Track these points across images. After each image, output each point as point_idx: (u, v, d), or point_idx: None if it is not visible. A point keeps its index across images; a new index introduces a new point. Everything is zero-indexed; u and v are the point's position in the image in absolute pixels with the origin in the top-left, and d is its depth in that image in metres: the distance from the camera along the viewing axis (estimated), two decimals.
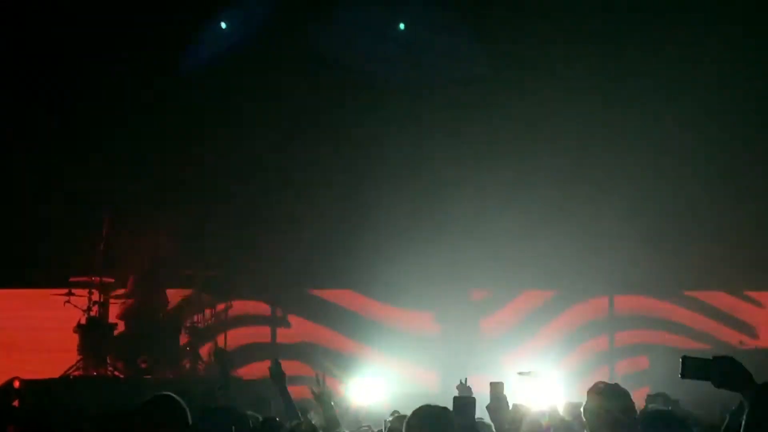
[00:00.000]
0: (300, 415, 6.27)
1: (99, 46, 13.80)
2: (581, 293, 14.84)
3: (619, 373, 14.23)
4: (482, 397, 5.23)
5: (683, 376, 3.65)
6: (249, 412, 6.26)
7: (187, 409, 4.42)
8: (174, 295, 12.78)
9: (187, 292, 12.73)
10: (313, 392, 6.19)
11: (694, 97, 13.68)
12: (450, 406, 4.98)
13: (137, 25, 13.62)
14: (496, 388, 5.02)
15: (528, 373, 5.17)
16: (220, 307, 12.89)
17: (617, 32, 14.21)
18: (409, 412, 5.42)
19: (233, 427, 5.00)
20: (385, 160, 14.15)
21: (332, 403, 6.19)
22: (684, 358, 3.66)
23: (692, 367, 3.64)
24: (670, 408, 6.77)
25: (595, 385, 4.61)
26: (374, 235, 13.73)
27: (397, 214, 13.66)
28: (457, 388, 7.15)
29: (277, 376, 6.51)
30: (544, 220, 13.89)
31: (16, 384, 11.49)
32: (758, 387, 2.71)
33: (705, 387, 3.64)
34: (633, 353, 14.61)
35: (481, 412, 5.23)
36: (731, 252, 14.29)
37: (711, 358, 3.63)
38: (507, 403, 4.95)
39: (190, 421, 4.40)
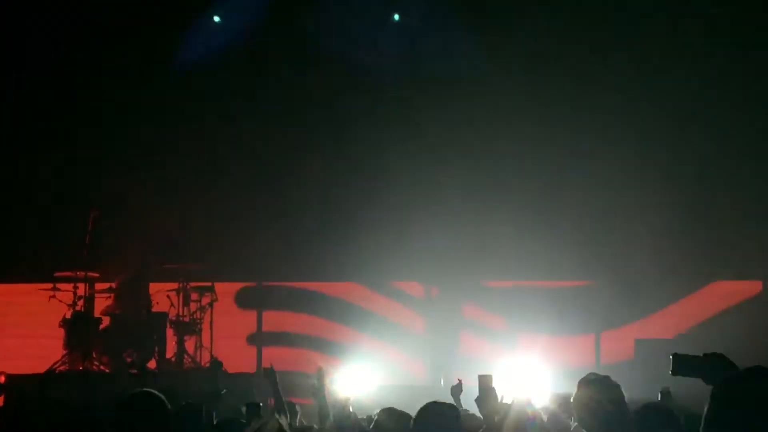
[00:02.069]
0: (286, 409, 6.66)
1: (87, 38, 13.76)
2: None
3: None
4: (471, 389, 5.22)
5: (674, 373, 3.64)
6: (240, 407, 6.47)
7: (167, 405, 4.41)
8: (160, 289, 12.72)
9: (172, 286, 12.67)
10: (312, 385, 6.44)
11: (693, 88, 13.62)
12: (436, 398, 4.95)
13: (128, 18, 13.56)
14: (484, 381, 5.00)
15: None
16: (206, 300, 12.82)
17: (615, 27, 14.00)
18: (395, 405, 5.43)
19: None
20: (378, 153, 14.05)
21: (325, 395, 6.40)
22: (674, 355, 3.66)
23: (683, 365, 3.63)
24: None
25: (586, 376, 4.61)
26: (365, 226, 13.72)
27: (388, 206, 13.63)
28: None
29: (271, 376, 6.97)
30: (539, 213, 13.88)
31: (1, 379, 11.47)
32: (720, 382, 2.67)
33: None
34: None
35: (471, 405, 5.22)
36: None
37: (701, 355, 3.62)
38: (496, 395, 4.94)
39: (169, 418, 4.40)
